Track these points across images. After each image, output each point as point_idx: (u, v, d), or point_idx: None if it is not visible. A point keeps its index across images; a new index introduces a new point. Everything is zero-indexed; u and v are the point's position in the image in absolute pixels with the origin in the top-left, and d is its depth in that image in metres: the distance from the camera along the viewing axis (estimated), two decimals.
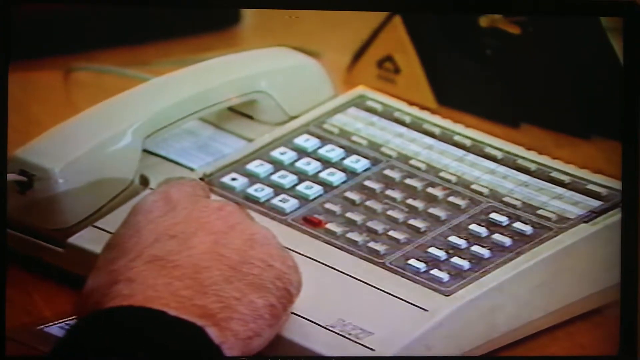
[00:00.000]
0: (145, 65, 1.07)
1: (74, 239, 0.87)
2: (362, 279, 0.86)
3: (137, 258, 0.80)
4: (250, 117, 0.99)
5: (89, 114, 0.94)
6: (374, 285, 0.84)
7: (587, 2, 1.01)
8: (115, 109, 0.94)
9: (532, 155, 0.95)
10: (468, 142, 0.94)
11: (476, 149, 0.94)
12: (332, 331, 0.83)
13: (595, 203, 0.91)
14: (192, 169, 0.93)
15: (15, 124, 0.96)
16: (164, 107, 0.95)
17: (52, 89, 1.04)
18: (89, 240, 0.87)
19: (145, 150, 0.92)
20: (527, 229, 0.87)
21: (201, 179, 0.91)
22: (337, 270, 0.87)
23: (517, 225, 0.87)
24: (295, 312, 0.83)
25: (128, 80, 1.04)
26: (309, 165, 0.93)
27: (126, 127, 0.91)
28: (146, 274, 0.79)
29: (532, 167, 0.93)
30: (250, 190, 0.90)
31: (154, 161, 0.95)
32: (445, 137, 0.95)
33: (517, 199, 0.90)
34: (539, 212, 0.90)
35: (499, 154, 0.94)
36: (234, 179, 0.91)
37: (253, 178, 0.91)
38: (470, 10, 1.06)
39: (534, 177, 0.93)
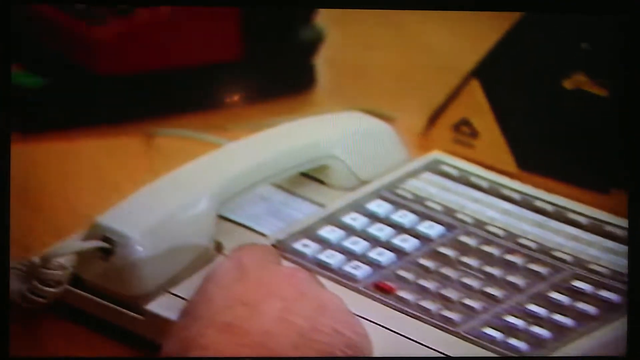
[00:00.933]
0: (223, 129, 1.09)
1: (151, 306, 0.88)
2: (435, 348, 0.84)
3: (209, 325, 0.80)
4: (322, 182, 0.98)
5: (166, 180, 0.95)
6: (447, 354, 0.83)
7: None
8: (192, 175, 0.95)
9: (620, 221, 0.93)
10: (550, 208, 0.93)
11: (559, 215, 0.93)
12: None
13: None
14: (264, 235, 0.93)
15: (96, 189, 1.03)
16: (238, 172, 0.96)
17: (131, 154, 1.06)
18: (166, 307, 0.88)
19: (219, 216, 0.93)
20: (615, 297, 0.86)
21: (273, 245, 0.91)
22: (409, 339, 0.85)
23: (604, 293, 0.86)
24: None
25: (206, 145, 1.06)
26: (382, 231, 0.92)
27: (202, 193, 0.93)
28: (218, 342, 0.80)
29: (620, 233, 0.91)
30: (322, 257, 0.89)
31: (227, 227, 0.95)
32: (525, 203, 0.94)
33: (603, 267, 0.88)
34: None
35: (584, 221, 0.93)
36: (305, 245, 0.91)
37: (324, 244, 0.91)
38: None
39: (622, 243, 0.91)
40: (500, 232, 0.91)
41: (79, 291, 0.90)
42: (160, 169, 0.96)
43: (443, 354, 0.84)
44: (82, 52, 1.14)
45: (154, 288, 0.89)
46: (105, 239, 0.88)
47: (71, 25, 1.15)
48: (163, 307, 0.87)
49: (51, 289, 0.90)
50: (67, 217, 1.00)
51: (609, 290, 0.86)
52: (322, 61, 1.19)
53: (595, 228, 0.92)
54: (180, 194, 0.92)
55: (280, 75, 1.16)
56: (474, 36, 1.15)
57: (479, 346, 0.84)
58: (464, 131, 1.06)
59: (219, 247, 0.90)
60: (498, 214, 0.92)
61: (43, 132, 1.15)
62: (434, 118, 1.07)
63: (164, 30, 1.15)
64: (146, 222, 0.89)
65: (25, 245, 0.96)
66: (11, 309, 0.95)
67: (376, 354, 0.82)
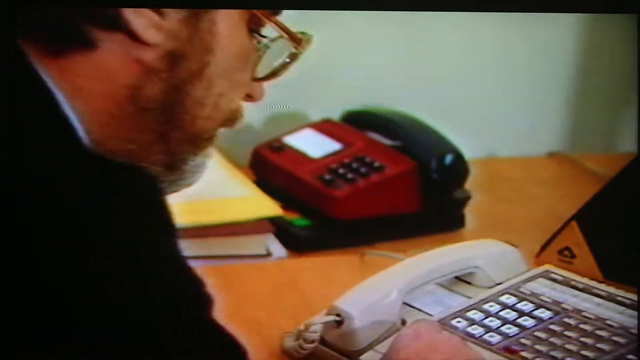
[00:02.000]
0: (404, 252, 1.10)
1: (363, 357, 0.94)
2: None
3: None
4: (469, 283, 1.02)
5: (374, 279, 0.98)
6: None
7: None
8: (387, 277, 0.99)
9: None
10: (628, 301, 0.96)
11: (634, 306, 0.95)
12: None
13: None
14: (431, 315, 0.97)
15: (313, 303, 1.03)
16: (415, 276, 1.00)
17: (349, 267, 1.09)
18: (371, 358, 0.93)
19: (404, 303, 0.97)
20: None
21: (438, 321, 0.95)
22: None
23: None
24: None
25: (395, 260, 1.06)
26: (509, 314, 0.96)
27: (393, 288, 0.97)
28: None
29: None
30: (469, 329, 0.95)
31: (409, 310, 0.99)
32: (610, 298, 0.96)
33: None
34: None
35: None
36: (458, 322, 0.96)
37: (471, 321, 0.96)
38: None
39: None
40: (592, 317, 0.94)
41: (323, 347, 0.96)
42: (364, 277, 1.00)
43: None
44: (324, 201, 1.19)
45: (364, 346, 0.94)
46: (338, 315, 0.94)
47: (317, 187, 1.20)
48: (369, 358, 0.93)
49: (310, 345, 0.96)
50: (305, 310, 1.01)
51: None
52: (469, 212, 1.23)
53: None
54: (381, 288, 0.96)
55: (444, 220, 1.21)
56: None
57: None
58: (566, 254, 1.07)
59: (403, 322, 0.96)
60: (591, 305, 0.96)
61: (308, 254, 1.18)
62: (545, 246, 1.08)
63: (376, 193, 1.19)
64: (361, 305, 0.94)
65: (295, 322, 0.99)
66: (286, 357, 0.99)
67: None
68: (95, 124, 0.76)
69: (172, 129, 0.79)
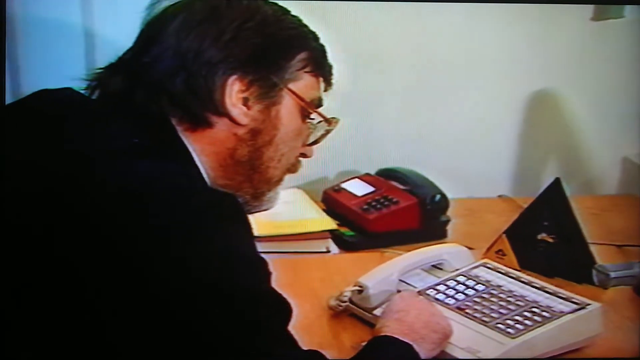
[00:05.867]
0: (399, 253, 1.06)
1: (375, 312, 0.93)
2: (476, 329, 0.88)
3: (390, 319, 0.87)
4: (440, 269, 1.02)
5: (385, 265, 0.98)
6: (483, 333, 0.87)
7: None
8: (391, 265, 0.98)
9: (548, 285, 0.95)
10: (526, 280, 0.97)
11: (529, 282, 0.96)
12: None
13: None
14: (415, 287, 0.99)
15: (350, 280, 0.98)
16: (408, 263, 0.98)
17: (371, 263, 1.02)
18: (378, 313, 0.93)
19: (400, 280, 0.98)
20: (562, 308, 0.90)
21: (418, 291, 0.97)
22: (468, 327, 0.88)
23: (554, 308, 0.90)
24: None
25: (392, 255, 1.05)
26: (461, 287, 0.97)
27: (394, 270, 0.97)
28: (394, 327, 0.85)
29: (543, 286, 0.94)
30: (436, 296, 0.96)
31: (403, 284, 0.98)
32: (517, 277, 0.98)
33: (547, 306, 0.91)
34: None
35: (549, 289, 0.94)
36: (430, 291, 0.97)
37: (438, 291, 0.97)
38: None
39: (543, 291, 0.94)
40: (506, 289, 0.96)
41: (352, 305, 0.98)
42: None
43: (481, 333, 0.87)
44: (362, 221, 1.20)
45: (375, 305, 0.96)
46: (360, 286, 0.97)
47: (359, 213, 1.21)
48: (378, 312, 0.93)
49: (344, 304, 0.98)
50: (346, 284, 0.99)
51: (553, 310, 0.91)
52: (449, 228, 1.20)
53: (552, 292, 0.95)
54: (387, 271, 0.99)
55: (434, 234, 1.20)
56: None
57: (500, 332, 0.87)
58: (499, 254, 1.10)
59: (398, 291, 0.97)
60: (506, 282, 0.98)
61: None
62: (488, 249, 1.13)
63: (393, 216, 1.18)
64: (374, 281, 0.98)
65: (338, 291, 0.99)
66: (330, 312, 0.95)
67: (452, 336, 0.88)
68: (211, 169, 0.77)
69: (254, 174, 0.79)
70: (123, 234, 0.66)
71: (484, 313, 0.92)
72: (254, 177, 0.79)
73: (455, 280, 0.99)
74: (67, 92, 0.79)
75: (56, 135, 0.73)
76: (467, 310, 0.93)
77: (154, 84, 0.76)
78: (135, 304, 0.65)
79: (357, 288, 0.97)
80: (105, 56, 0.79)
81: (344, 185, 1.27)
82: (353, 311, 0.98)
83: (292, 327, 0.74)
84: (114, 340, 0.66)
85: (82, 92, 0.78)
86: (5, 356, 0.66)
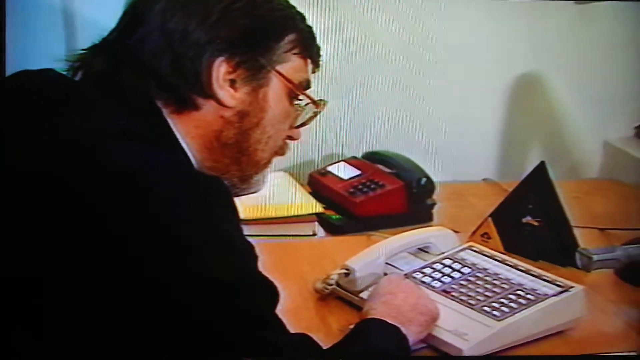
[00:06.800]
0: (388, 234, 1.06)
1: (362, 295, 0.93)
2: (461, 312, 0.88)
3: (377, 302, 0.86)
4: (426, 252, 1.02)
5: (372, 248, 0.97)
6: (469, 316, 0.87)
7: None
8: (379, 248, 0.98)
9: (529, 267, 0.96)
10: (511, 263, 0.97)
11: (511, 264, 0.97)
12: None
13: None
14: (402, 270, 0.99)
15: (338, 263, 0.98)
16: (395, 246, 0.98)
17: (358, 246, 1.02)
18: (366, 295, 0.91)
19: (386, 263, 0.98)
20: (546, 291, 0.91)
21: (405, 274, 0.97)
22: (454, 309, 0.89)
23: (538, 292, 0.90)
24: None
25: (380, 238, 1.05)
26: (446, 270, 0.96)
27: (381, 254, 0.97)
28: (381, 309, 0.85)
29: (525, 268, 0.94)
30: (422, 279, 0.96)
31: (389, 267, 0.97)
32: (502, 260, 0.98)
33: (532, 290, 0.91)
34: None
35: (534, 272, 0.94)
36: (417, 274, 0.97)
37: (424, 274, 0.96)
38: None
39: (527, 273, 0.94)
40: (491, 272, 0.96)
41: (338, 288, 0.97)
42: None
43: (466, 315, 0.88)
44: (349, 205, 1.19)
45: (362, 288, 0.96)
46: (347, 269, 0.97)
47: (345, 196, 1.20)
48: (365, 295, 0.94)
49: (330, 287, 0.97)
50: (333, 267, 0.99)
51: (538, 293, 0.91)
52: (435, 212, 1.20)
53: (536, 275, 0.95)
54: (374, 254, 0.99)
55: (419, 217, 1.18)
56: None
57: (486, 315, 0.88)
58: (485, 237, 1.11)
59: (385, 274, 0.97)
60: (491, 265, 0.98)
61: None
62: (474, 232, 1.13)
63: (379, 200, 1.18)
64: (360, 264, 0.97)
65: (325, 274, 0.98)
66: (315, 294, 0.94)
67: (439, 319, 0.88)
68: (197, 152, 0.76)
69: (242, 157, 0.78)
70: (109, 218, 0.66)
71: (470, 296, 0.93)
72: (242, 159, 0.79)
73: (442, 264, 1.00)
74: (49, 72, 0.77)
75: (39, 117, 0.71)
76: (453, 293, 0.93)
77: (139, 65, 0.74)
78: (122, 286, 0.65)
79: (343, 271, 0.97)
80: (87, 37, 0.78)
81: (330, 169, 1.26)
82: (340, 294, 0.98)
83: (279, 311, 0.74)
84: (105, 323, 0.66)
85: (64, 73, 0.77)
86: (5, 344, 0.67)
